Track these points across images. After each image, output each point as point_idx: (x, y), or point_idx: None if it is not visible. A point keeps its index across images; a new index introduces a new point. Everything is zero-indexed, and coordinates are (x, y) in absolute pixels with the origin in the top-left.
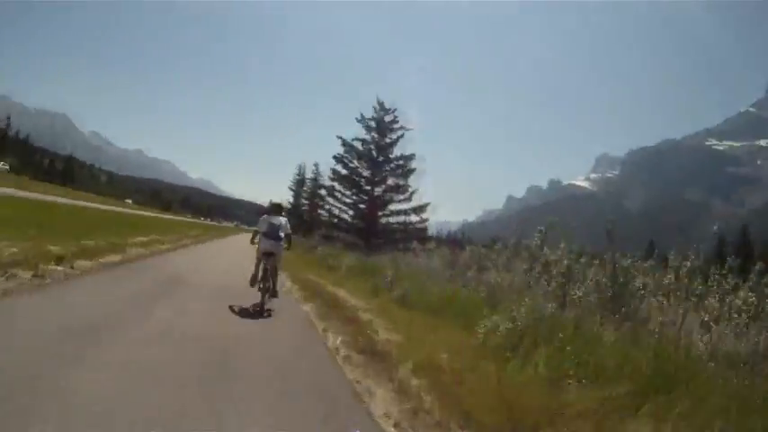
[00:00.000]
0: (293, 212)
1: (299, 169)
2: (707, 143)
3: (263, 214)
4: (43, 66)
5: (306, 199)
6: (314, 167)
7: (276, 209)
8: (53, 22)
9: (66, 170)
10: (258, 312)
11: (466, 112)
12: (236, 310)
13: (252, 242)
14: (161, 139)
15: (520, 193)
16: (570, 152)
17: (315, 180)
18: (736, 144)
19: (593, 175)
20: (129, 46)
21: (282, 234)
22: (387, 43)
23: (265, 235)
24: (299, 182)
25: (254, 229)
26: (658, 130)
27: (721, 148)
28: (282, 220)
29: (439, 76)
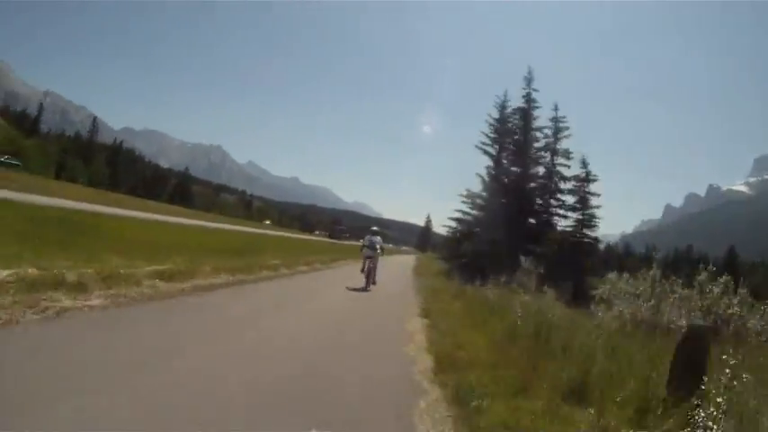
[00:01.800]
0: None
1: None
2: None
3: (367, 235)
4: (197, 102)
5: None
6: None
7: (374, 232)
8: (202, 58)
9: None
10: (364, 290)
11: (615, 118)
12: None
13: (360, 251)
14: (317, 167)
15: (678, 200)
16: (727, 155)
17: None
18: None
19: (751, 179)
20: (280, 74)
21: (378, 246)
22: (532, 42)
23: (367, 247)
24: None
25: (361, 244)
26: None
27: None
28: (378, 238)
29: (589, 82)
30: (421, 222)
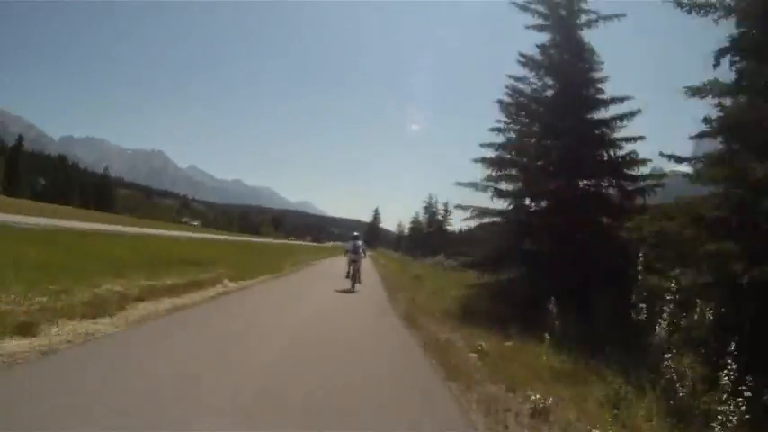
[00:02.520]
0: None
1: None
2: None
3: (350, 240)
4: (135, 107)
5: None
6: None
7: (355, 237)
8: (138, 61)
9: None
10: (350, 292)
11: None
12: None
13: (344, 254)
14: (260, 169)
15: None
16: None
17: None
18: None
19: None
20: (216, 79)
21: (361, 250)
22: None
23: (351, 252)
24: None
25: (345, 247)
26: None
27: None
28: (360, 242)
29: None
30: (367, 218)
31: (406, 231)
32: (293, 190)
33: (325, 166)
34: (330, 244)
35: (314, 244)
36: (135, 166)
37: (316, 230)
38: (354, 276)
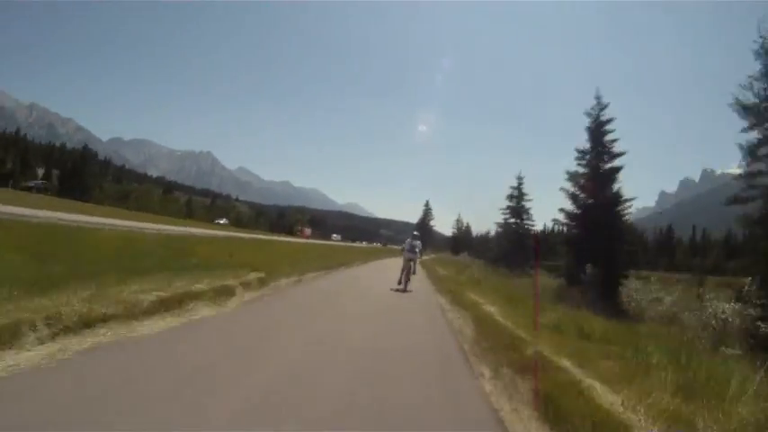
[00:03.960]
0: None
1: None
2: None
3: (408, 239)
4: (186, 109)
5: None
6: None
7: (414, 236)
8: (189, 64)
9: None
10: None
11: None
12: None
13: (401, 252)
14: (308, 170)
15: (672, 187)
16: (720, 140)
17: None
18: None
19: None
20: (266, 82)
21: (417, 250)
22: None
23: (408, 251)
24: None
25: (401, 247)
26: None
27: None
28: (417, 242)
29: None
30: (413, 219)
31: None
32: (342, 192)
33: (374, 169)
34: (376, 244)
35: (359, 245)
36: (183, 167)
37: (360, 231)
38: (408, 274)
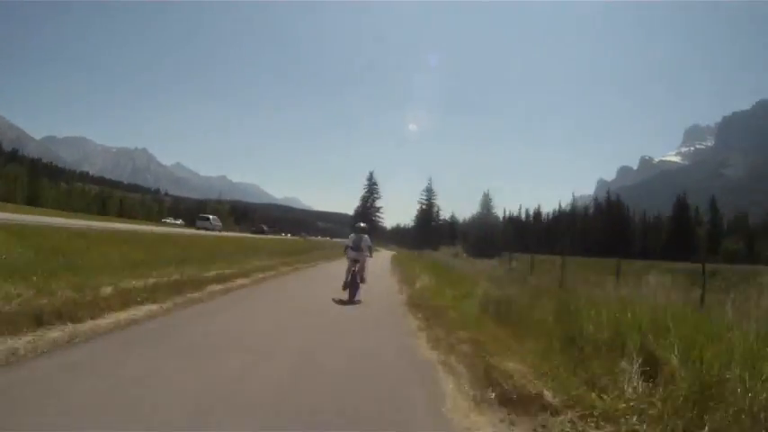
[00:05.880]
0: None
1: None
2: None
3: (351, 234)
4: (118, 104)
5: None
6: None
7: (359, 229)
8: (121, 58)
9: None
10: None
11: (542, 96)
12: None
13: (344, 252)
14: (244, 165)
15: (610, 175)
16: (656, 128)
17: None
18: None
19: (683, 149)
20: (200, 76)
21: (365, 247)
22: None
23: (352, 248)
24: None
25: (345, 242)
26: (750, 94)
27: None
28: (365, 236)
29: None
30: (350, 211)
31: (405, 224)
32: (280, 186)
33: (312, 163)
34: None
35: (278, 236)
36: (119, 164)
37: (296, 224)
38: (354, 281)
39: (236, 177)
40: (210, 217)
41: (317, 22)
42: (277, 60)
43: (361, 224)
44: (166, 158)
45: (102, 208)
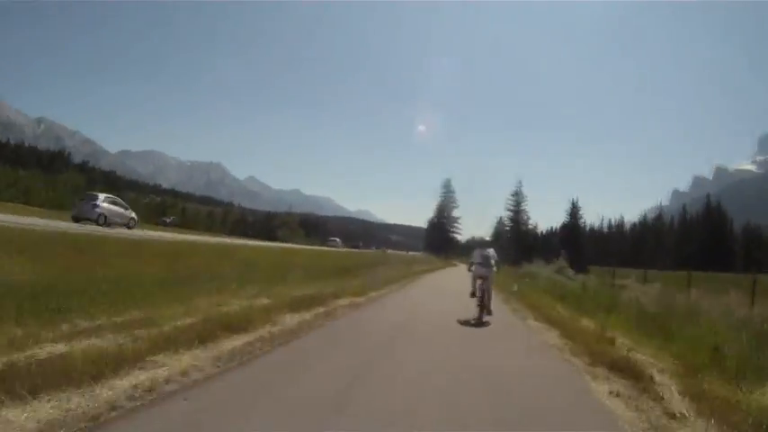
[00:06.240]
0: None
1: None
2: None
3: (475, 248)
4: (194, 121)
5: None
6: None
7: (485, 244)
8: (194, 74)
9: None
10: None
11: (615, 111)
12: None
13: (469, 269)
14: (318, 178)
15: (684, 185)
16: (731, 136)
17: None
18: None
19: (759, 158)
20: (274, 90)
21: (493, 262)
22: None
23: (479, 264)
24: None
25: (470, 261)
26: None
27: None
28: (491, 251)
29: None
30: (423, 224)
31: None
32: (353, 199)
33: (385, 176)
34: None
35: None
36: (192, 178)
37: (371, 237)
38: (483, 298)
39: (308, 190)
40: (337, 239)
41: (390, 25)
42: (350, 72)
43: (487, 238)
44: (240, 172)
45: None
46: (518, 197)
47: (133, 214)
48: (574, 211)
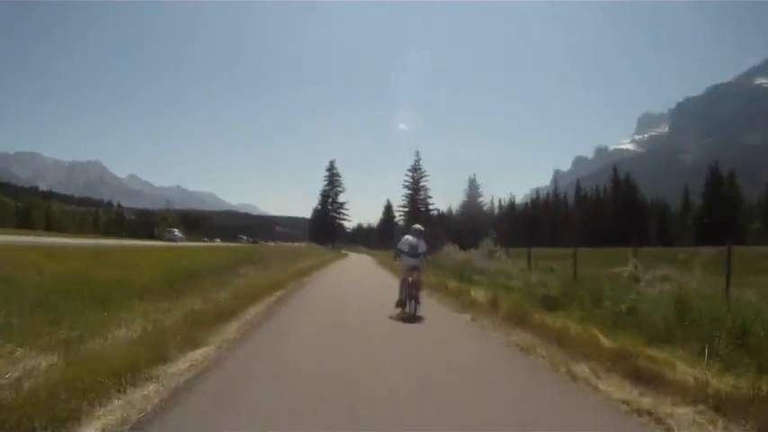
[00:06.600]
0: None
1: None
2: (756, 82)
3: (403, 236)
4: (69, 117)
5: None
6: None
7: (417, 232)
8: (72, 70)
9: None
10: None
11: (495, 91)
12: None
13: (394, 259)
14: (200, 173)
15: (566, 166)
16: (609, 117)
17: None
18: None
19: (637, 137)
20: (153, 83)
21: (420, 252)
22: (392, 38)
23: (408, 254)
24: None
25: (397, 249)
26: (703, 79)
27: None
28: (421, 241)
29: (454, 67)
30: (307, 214)
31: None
32: (236, 193)
33: (268, 168)
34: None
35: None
36: (72, 179)
37: (251, 230)
38: (413, 294)
39: (191, 186)
40: (175, 230)
41: (257, 24)
42: (225, 65)
43: (417, 225)
44: (120, 170)
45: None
46: (416, 173)
47: (182, 235)
48: (472, 189)
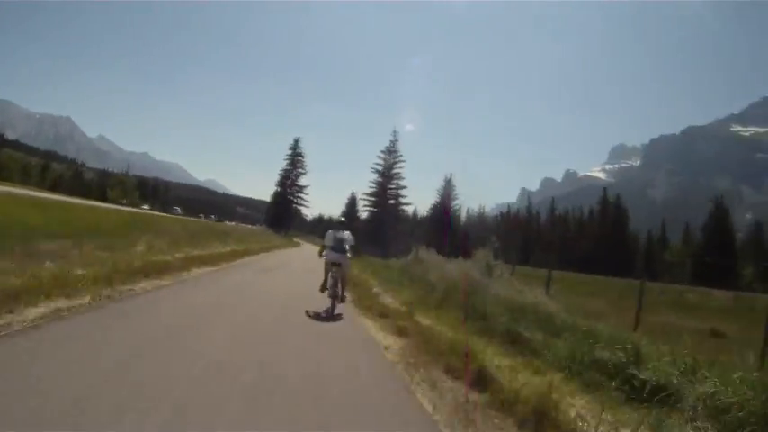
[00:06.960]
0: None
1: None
2: (732, 129)
3: (329, 230)
4: (46, 69)
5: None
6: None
7: (340, 225)
8: (54, 24)
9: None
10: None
11: (472, 108)
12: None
13: (320, 255)
14: (168, 142)
15: (534, 186)
16: (583, 145)
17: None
18: (760, 130)
19: (608, 166)
20: (135, 47)
21: (347, 246)
22: (390, 42)
23: (332, 249)
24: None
25: (322, 244)
26: (680, 119)
27: (747, 134)
28: (347, 234)
29: (443, 74)
30: (266, 197)
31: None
32: (203, 168)
33: (239, 148)
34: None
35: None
36: (42, 131)
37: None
38: (336, 287)
39: (159, 155)
40: (177, 208)
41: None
42: (213, 42)
43: (342, 218)
44: (91, 129)
45: None
46: (391, 156)
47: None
48: (448, 190)
